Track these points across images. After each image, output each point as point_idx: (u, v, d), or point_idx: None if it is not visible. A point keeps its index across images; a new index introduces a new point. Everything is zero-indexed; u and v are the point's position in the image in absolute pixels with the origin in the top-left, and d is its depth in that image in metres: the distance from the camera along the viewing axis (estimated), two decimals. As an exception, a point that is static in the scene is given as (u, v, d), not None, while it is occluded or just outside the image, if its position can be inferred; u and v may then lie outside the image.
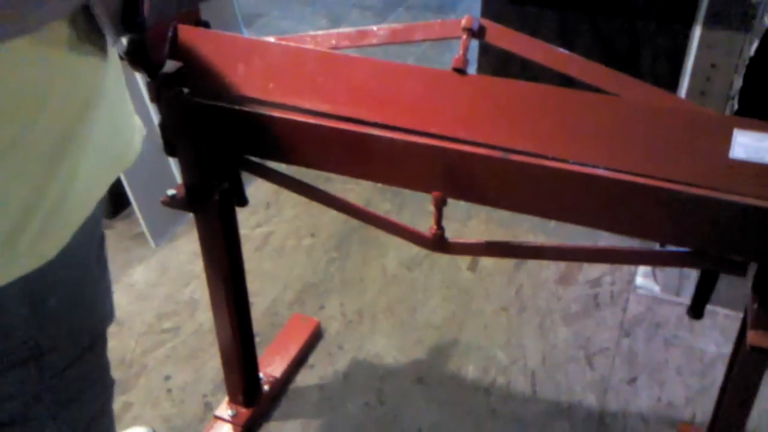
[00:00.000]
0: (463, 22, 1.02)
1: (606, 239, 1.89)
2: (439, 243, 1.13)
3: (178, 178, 1.45)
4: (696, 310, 1.06)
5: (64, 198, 0.64)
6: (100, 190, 0.71)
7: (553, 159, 0.95)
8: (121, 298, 1.88)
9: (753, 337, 0.97)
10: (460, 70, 1.01)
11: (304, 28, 3.28)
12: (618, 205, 0.94)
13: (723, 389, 1.12)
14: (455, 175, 1.01)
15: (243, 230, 1.58)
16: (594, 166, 0.92)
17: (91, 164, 0.66)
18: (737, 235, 0.90)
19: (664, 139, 0.92)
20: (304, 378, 1.66)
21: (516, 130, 0.97)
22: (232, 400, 1.53)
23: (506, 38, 1.04)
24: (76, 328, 0.74)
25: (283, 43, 1.10)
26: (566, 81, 1.01)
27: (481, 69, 2.18)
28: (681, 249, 0.99)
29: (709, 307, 1.82)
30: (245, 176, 1.28)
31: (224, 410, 1.52)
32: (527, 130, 0.97)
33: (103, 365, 0.84)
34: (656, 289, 1.90)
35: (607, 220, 0.97)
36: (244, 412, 1.51)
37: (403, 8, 3.71)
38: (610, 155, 0.93)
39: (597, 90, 0.99)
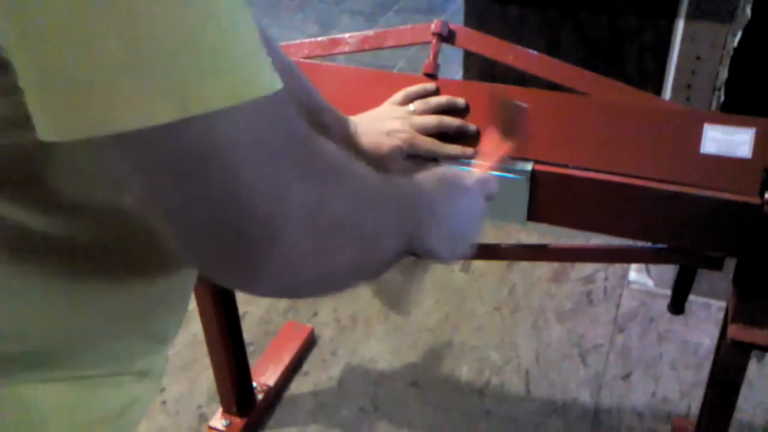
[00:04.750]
0: (433, 26, 1.03)
1: (599, 238, 1.89)
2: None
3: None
4: (676, 306, 1.06)
5: None
6: None
7: (524, 159, 0.95)
8: (115, 312, 1.88)
9: (734, 331, 0.97)
10: (431, 75, 1.01)
11: (295, 36, 3.28)
12: (590, 203, 0.94)
13: (709, 383, 1.12)
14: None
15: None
16: (564, 165, 0.93)
17: None
18: (711, 230, 0.90)
19: (635, 136, 0.92)
20: (299, 385, 1.66)
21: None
22: (226, 411, 1.54)
23: (476, 41, 1.04)
24: None
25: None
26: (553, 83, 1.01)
27: (467, 71, 2.18)
28: (657, 245, 0.99)
29: (702, 300, 1.83)
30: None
31: (218, 420, 1.53)
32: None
33: None
34: (650, 283, 1.90)
35: (581, 219, 0.97)
36: (238, 421, 1.52)
37: (393, 12, 3.72)
38: (580, 154, 0.93)
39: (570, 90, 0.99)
